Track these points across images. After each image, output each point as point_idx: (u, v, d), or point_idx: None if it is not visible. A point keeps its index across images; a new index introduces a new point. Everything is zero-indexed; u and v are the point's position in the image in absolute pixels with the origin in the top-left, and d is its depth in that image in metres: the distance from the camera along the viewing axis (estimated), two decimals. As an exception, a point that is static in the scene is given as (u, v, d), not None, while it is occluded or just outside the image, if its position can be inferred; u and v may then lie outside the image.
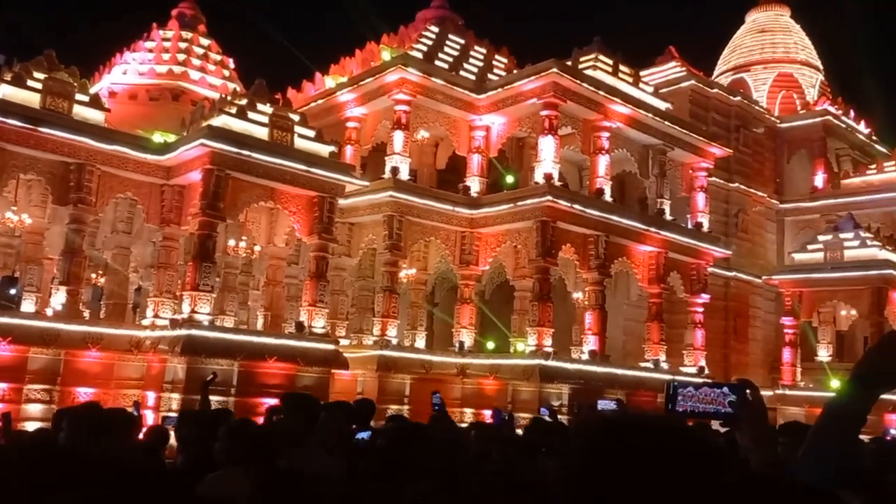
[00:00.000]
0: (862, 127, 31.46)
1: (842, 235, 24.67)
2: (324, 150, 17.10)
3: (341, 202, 17.60)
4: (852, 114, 31.12)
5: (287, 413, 4.25)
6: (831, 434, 1.75)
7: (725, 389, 2.01)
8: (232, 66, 22.53)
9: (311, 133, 17.05)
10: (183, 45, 21.68)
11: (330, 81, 21.73)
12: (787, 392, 24.45)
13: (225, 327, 15.98)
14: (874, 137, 31.91)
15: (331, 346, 16.66)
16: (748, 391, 1.98)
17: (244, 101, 16.55)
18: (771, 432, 2.01)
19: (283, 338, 16.38)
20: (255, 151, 15.74)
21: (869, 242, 24.24)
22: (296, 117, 17.10)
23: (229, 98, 17.19)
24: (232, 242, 17.42)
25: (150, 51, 21.52)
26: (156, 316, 16.30)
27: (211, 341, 14.94)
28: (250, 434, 3.60)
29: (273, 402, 14.65)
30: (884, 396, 1.83)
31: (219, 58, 22.23)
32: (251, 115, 16.21)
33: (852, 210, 26.01)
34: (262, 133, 16.16)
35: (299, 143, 16.62)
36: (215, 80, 21.40)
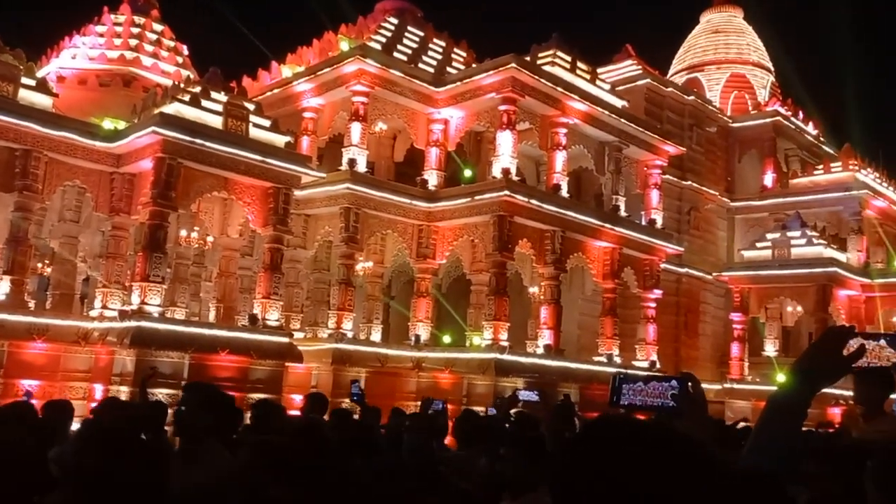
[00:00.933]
0: (810, 128, 32.30)
1: (789, 234, 25.33)
2: (279, 140, 16.89)
3: (297, 193, 17.41)
4: (801, 115, 31.92)
5: (191, 406, 3.82)
6: (775, 427, 1.78)
7: (673, 383, 2.03)
8: (185, 52, 22.07)
9: (267, 123, 16.81)
10: (135, 30, 21.16)
11: (287, 71, 21.45)
12: (735, 386, 25.06)
13: (176, 319, 15.69)
14: (822, 139, 32.80)
15: (285, 339, 16.49)
16: (689, 384, 2.01)
17: (198, 89, 16.24)
18: (710, 425, 2.04)
19: (236, 330, 16.15)
20: (208, 140, 15.46)
21: (815, 241, 24.94)
22: (251, 106, 16.83)
23: (182, 85, 16.85)
24: (184, 233, 17.11)
25: (101, 35, 20.95)
26: (104, 307, 15.95)
27: (161, 333, 14.65)
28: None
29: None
30: (827, 390, 1.86)
31: (172, 44, 21.76)
32: (205, 103, 15.91)
33: (800, 209, 26.70)
34: (216, 122, 15.88)
35: (254, 133, 16.38)
36: (168, 66, 20.95)
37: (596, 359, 20.49)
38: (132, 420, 4.77)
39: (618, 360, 20.59)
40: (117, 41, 20.79)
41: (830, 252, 24.82)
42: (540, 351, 19.18)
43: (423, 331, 19.48)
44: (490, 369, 17.64)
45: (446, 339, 20.73)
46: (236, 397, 10.60)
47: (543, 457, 3.71)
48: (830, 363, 1.80)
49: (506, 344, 18.18)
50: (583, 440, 1.20)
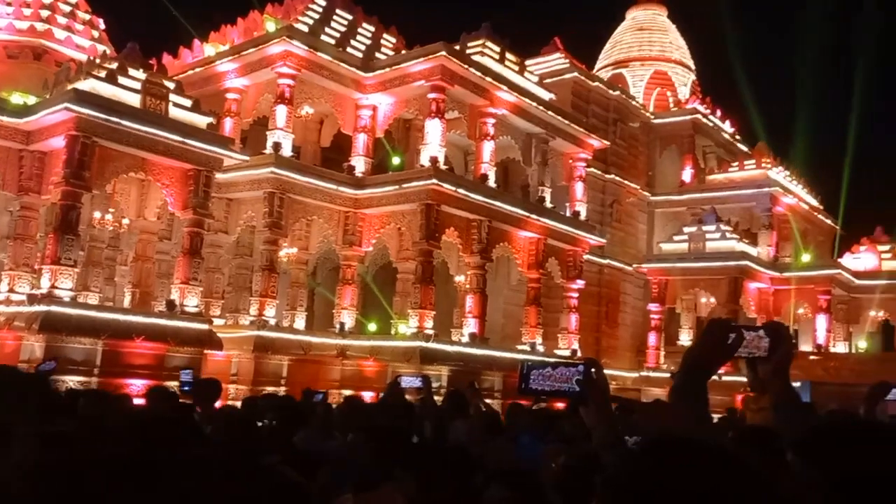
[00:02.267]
0: (727, 126, 33.52)
1: (705, 228, 26.28)
2: (201, 120, 16.37)
3: (219, 176, 16.94)
4: (719, 113, 33.09)
5: None
6: (679, 415, 1.86)
7: (580, 368, 2.06)
8: (102, 26, 21.07)
9: (188, 102, 16.26)
10: (47, 0, 20.07)
11: (209, 49, 20.78)
12: (651, 374, 25.88)
13: (88, 304, 15.08)
14: (737, 137, 34.11)
15: (204, 326, 16.05)
16: (593, 370, 2.05)
17: (115, 65, 15.54)
18: (611, 410, 2.12)
19: (153, 316, 15.63)
20: (125, 119, 14.84)
21: (728, 235, 25.95)
22: (171, 85, 16.24)
23: (98, 61, 16.09)
24: (98, 214, 16.44)
25: (9, 4, 19.77)
26: (11, 290, 15.19)
27: (72, 319, 14.03)
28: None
29: (141, 383, 14.04)
30: (737, 378, 1.97)
31: (87, 17, 20.73)
32: (122, 80, 15.26)
33: (715, 204, 27.71)
34: (134, 100, 15.26)
35: (174, 113, 15.81)
36: (83, 40, 19.96)
37: (520, 347, 20.77)
38: None
39: (541, 348, 20.93)
40: (27, 11, 19.66)
41: (742, 246, 25.88)
42: (465, 339, 19.30)
43: (348, 318, 19.32)
44: (415, 357, 17.64)
45: (372, 326, 20.63)
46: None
47: (396, 451, 3.24)
48: (715, 353, 1.92)
49: (431, 332, 18.21)
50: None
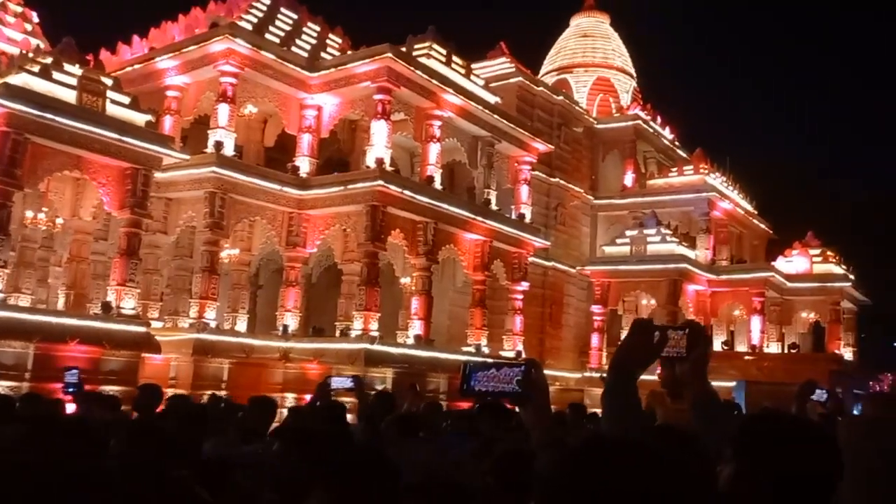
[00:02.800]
0: (667, 132, 34.32)
1: (646, 231, 26.83)
2: (139, 118, 15.96)
3: (158, 176, 16.54)
4: (659, 120, 33.85)
5: None
6: (614, 416, 1.92)
7: (522, 368, 2.07)
8: (36, 20, 20.32)
9: (126, 99, 15.84)
10: (-24, -10, 19.28)
11: (149, 46, 20.29)
12: (594, 375, 26.27)
13: (19, 306, 14.54)
14: (677, 143, 34.95)
15: (141, 329, 15.64)
16: (532, 370, 2.07)
17: (49, 60, 15.04)
18: (549, 410, 2.15)
19: (88, 319, 15.15)
20: (59, 115, 14.37)
21: (668, 238, 26.56)
22: (109, 81, 15.79)
23: (31, 55, 15.52)
24: (30, 214, 15.86)
25: (-65, -7, 18.94)
26: (-67, 293, 14.48)
27: (2, 321, 13.50)
28: None
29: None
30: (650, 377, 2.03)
31: (20, 9, 19.96)
32: (57, 75, 14.77)
33: (656, 208, 28.33)
34: (69, 96, 14.79)
35: (112, 110, 15.38)
36: (15, 33, 19.21)
37: (465, 349, 20.84)
38: None
39: (486, 350, 21.03)
40: (-46, 1, 18.87)
41: (681, 249, 26.52)
42: (410, 341, 19.27)
43: (291, 321, 19.08)
44: (360, 360, 17.52)
45: (316, 329, 20.38)
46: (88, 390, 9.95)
47: (323, 456, 2.95)
48: (640, 353, 1.97)
49: (376, 334, 18.12)
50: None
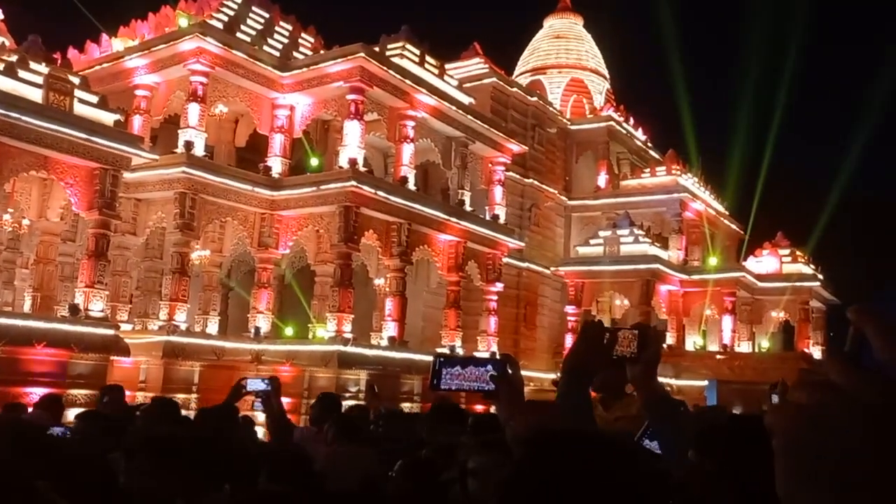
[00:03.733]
0: (640, 133, 34.60)
1: (619, 232, 27.02)
2: (108, 118, 15.69)
3: (127, 176, 16.30)
4: (632, 121, 34.12)
5: None
6: (566, 418, 1.92)
7: (488, 367, 2.05)
8: (0, 17, 19.96)
9: (94, 99, 15.58)
10: (-62, -14, 18.87)
11: (118, 44, 19.99)
12: (569, 375, 26.37)
13: (-17, 310, 14.21)
14: (650, 144, 35.25)
15: (109, 332, 15.38)
16: (507, 366, 2.05)
17: (14, 58, 14.72)
18: (525, 407, 2.13)
19: (55, 321, 14.84)
20: (25, 114, 14.07)
21: (641, 239, 26.78)
22: (76, 80, 15.51)
23: (-5, 52, 15.23)
24: (-5, 215, 15.53)
25: None
26: None
27: (-36, 325, 13.20)
28: None
29: (41, 391, 13.32)
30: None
31: (-16, 6, 19.61)
32: (22, 73, 14.46)
33: (629, 209, 28.54)
34: (36, 95, 14.49)
35: (79, 109, 15.11)
36: (-21, 30, 18.86)
37: (439, 350, 20.75)
38: None
39: (460, 351, 21.00)
40: (-84, -3, 18.45)
41: (654, 250, 26.74)
42: (384, 343, 19.19)
43: (263, 322, 18.91)
44: (333, 362, 17.41)
45: (289, 331, 20.25)
46: (56, 393, 9.76)
47: (178, 466, 2.75)
48: (591, 355, 1.97)
49: (349, 336, 18.03)
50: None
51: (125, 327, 16.91)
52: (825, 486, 0.57)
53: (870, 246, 41.68)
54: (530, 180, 28.67)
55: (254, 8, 20.67)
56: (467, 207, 21.91)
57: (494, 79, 27.89)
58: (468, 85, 24.68)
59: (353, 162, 18.39)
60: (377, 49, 19.74)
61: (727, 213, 34.53)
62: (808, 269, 29.34)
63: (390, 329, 19.30)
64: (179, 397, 15.14)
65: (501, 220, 23.49)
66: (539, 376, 26.49)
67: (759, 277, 29.03)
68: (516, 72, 35.18)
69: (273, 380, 5.48)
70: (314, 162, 20.59)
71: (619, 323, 29.15)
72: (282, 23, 21.31)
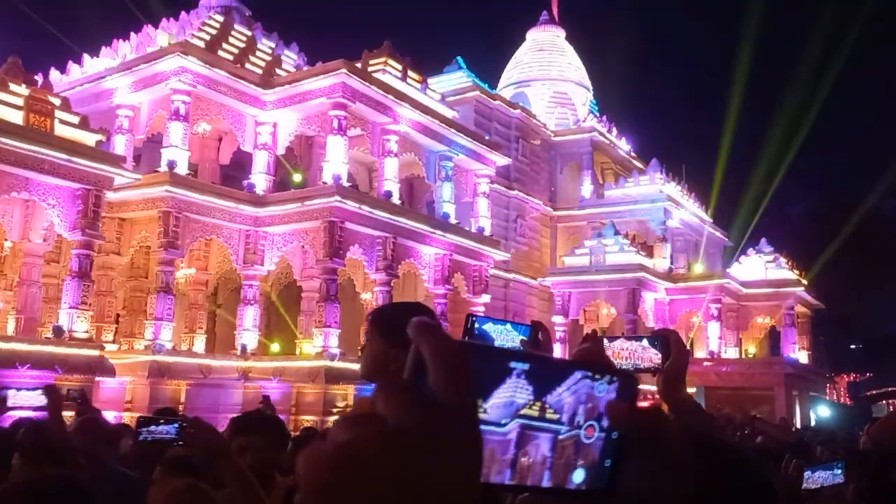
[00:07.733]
0: (623, 144, 34.85)
1: (604, 241, 27.15)
2: (89, 138, 15.70)
3: (110, 196, 16.27)
4: (615, 131, 34.37)
5: None
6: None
7: (521, 329, 2.09)
8: (-19, 39, 19.97)
9: (75, 119, 15.58)
10: (-82, 9, 18.88)
11: (100, 65, 20.02)
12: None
13: (-35, 333, 14.11)
14: (633, 154, 35.51)
15: (94, 352, 15.31)
16: (539, 334, 2.08)
17: (-6, 79, 14.73)
18: None
19: (39, 343, 14.77)
20: (6, 137, 14.06)
21: (626, 248, 26.91)
22: (57, 101, 15.51)
23: (-25, 74, 15.21)
24: (-24, 237, 15.44)
25: None
26: None
27: (-54, 349, 13.10)
28: None
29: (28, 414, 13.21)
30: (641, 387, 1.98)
31: (-35, 28, 19.61)
32: (3, 95, 14.48)
33: (614, 218, 28.70)
34: (16, 117, 14.49)
35: (61, 130, 15.11)
36: (-41, 53, 18.84)
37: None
38: None
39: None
40: None
41: (640, 258, 26.88)
42: (371, 357, 19.12)
43: (250, 339, 18.85)
44: (320, 377, 17.38)
45: (275, 347, 20.20)
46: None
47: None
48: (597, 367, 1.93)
49: (336, 351, 17.99)
50: None
51: (111, 347, 16.84)
52: None
53: (851, 251, 42.04)
54: (515, 192, 28.80)
55: (236, 26, 20.75)
56: (452, 220, 21.97)
57: (477, 92, 28.06)
58: (451, 98, 24.82)
59: (336, 177, 18.43)
60: (359, 65, 19.84)
61: (711, 220, 34.77)
62: (791, 275, 29.57)
63: (377, 343, 19.23)
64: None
65: (487, 232, 23.56)
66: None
67: (744, 284, 29.21)
68: (500, 85, 35.40)
69: (49, 390, 4.42)
70: (298, 178, 20.61)
71: (606, 332, 29.26)
72: (264, 40, 21.40)
